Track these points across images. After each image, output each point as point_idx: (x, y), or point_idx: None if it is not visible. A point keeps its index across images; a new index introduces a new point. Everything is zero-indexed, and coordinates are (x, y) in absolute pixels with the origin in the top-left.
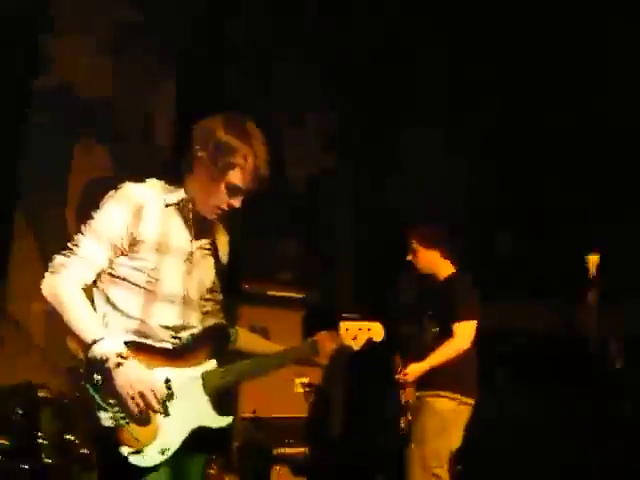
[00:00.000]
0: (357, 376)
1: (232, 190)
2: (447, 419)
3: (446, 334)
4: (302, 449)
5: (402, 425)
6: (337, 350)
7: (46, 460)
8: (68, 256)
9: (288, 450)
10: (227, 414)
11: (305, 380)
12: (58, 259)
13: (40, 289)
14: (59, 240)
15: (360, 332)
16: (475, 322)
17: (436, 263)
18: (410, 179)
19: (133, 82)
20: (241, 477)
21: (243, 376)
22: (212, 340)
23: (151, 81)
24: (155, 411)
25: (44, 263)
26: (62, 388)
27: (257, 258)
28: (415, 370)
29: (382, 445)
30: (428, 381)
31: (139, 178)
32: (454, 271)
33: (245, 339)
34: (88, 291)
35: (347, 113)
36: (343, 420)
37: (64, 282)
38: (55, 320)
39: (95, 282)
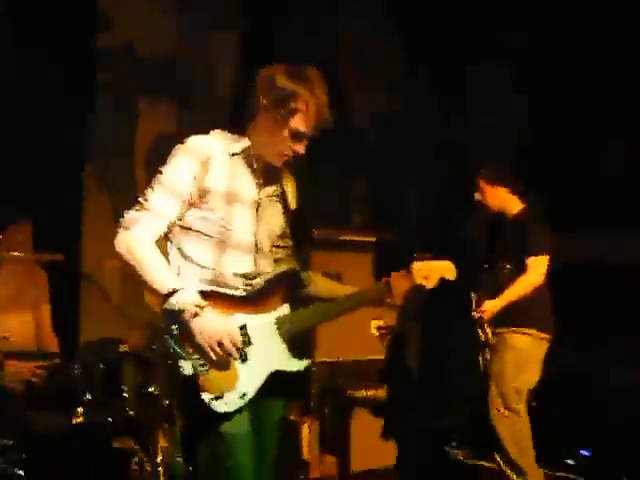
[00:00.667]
0: (433, 316)
1: (295, 136)
2: (525, 355)
3: (519, 270)
4: (381, 391)
5: (481, 363)
6: (410, 290)
7: (129, 413)
8: (139, 211)
9: (367, 392)
10: (303, 358)
11: (381, 322)
12: (129, 214)
13: (113, 246)
14: (130, 197)
15: (432, 271)
16: (548, 256)
17: (504, 200)
18: (476, 117)
19: (196, 35)
20: (320, 421)
21: (316, 320)
22: (285, 285)
23: (215, 33)
24: (234, 357)
25: (116, 221)
26: (141, 342)
27: (327, 203)
28: (490, 307)
29: (460, 384)
30: (504, 318)
31: (205, 131)
32: (524, 206)
33: (318, 283)
34: (162, 244)
35: (413, 50)
36: (420, 361)
37: (136, 237)
38: (130, 276)
39: (167, 235)
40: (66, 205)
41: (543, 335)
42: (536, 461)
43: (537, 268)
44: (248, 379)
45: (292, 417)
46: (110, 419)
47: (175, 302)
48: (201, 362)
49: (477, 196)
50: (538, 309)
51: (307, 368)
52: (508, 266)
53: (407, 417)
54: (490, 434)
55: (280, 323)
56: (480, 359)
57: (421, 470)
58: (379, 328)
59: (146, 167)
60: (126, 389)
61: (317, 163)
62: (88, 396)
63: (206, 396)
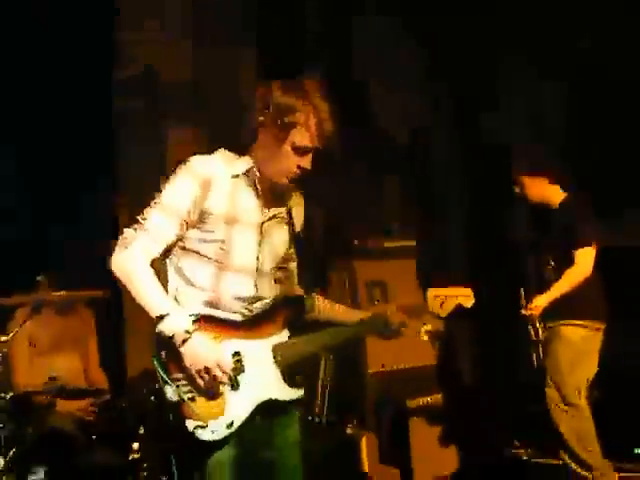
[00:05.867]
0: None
1: (298, 150)
2: (579, 347)
3: (567, 262)
4: (436, 398)
5: (534, 359)
6: (414, 320)
7: None
8: (136, 230)
9: (423, 400)
10: (297, 387)
11: (429, 327)
12: (126, 233)
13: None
14: None
15: (448, 298)
16: (594, 247)
17: (545, 190)
18: (509, 113)
19: (215, 57)
20: (378, 433)
21: (315, 348)
22: (285, 310)
23: (233, 52)
24: (222, 385)
25: None
26: None
27: (363, 212)
28: (540, 302)
29: (516, 383)
30: (554, 311)
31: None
32: (566, 195)
33: (322, 308)
34: (160, 263)
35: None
36: (473, 364)
37: (132, 257)
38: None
39: (167, 254)
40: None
41: (597, 325)
42: (603, 453)
43: (585, 260)
44: (237, 407)
45: (349, 431)
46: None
47: (164, 327)
48: (187, 389)
49: (517, 190)
50: (589, 299)
51: (300, 397)
52: (552, 262)
53: (466, 421)
54: (552, 430)
55: (277, 350)
56: (533, 355)
57: (486, 473)
58: (429, 333)
59: None
60: None
61: (351, 170)
62: (141, 430)
63: (190, 424)
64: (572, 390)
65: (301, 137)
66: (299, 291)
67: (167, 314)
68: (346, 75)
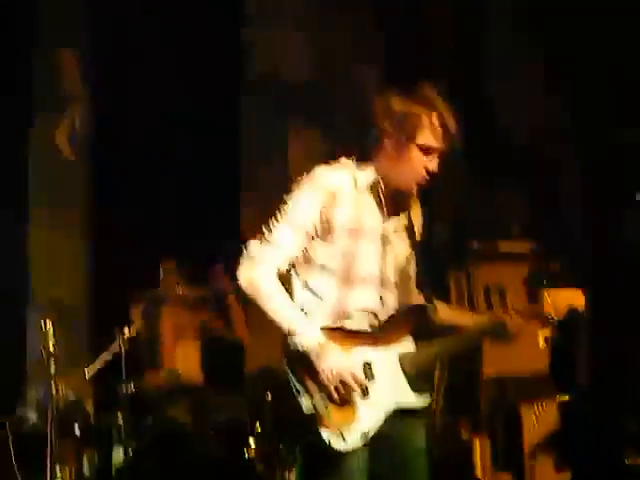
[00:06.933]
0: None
1: (425, 151)
2: None
3: None
4: (552, 403)
5: None
6: (530, 324)
7: None
8: (262, 243)
9: (538, 406)
10: (424, 393)
11: (547, 333)
12: (253, 246)
13: None
14: None
15: (562, 300)
16: None
17: None
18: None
19: (337, 60)
20: (492, 438)
21: (440, 354)
22: (409, 320)
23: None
24: (356, 395)
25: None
26: None
27: (483, 215)
28: None
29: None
30: None
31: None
32: None
33: (443, 313)
34: (285, 276)
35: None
36: (590, 366)
37: (260, 272)
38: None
39: (293, 266)
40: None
41: None
42: None
43: None
44: (369, 416)
45: (463, 436)
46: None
47: (299, 341)
48: (322, 400)
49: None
50: None
51: (428, 403)
52: None
53: (581, 429)
54: None
55: (403, 358)
56: None
57: None
58: (546, 339)
59: None
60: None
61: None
62: (258, 428)
63: (326, 433)
64: None
65: (426, 138)
66: (419, 297)
67: (299, 329)
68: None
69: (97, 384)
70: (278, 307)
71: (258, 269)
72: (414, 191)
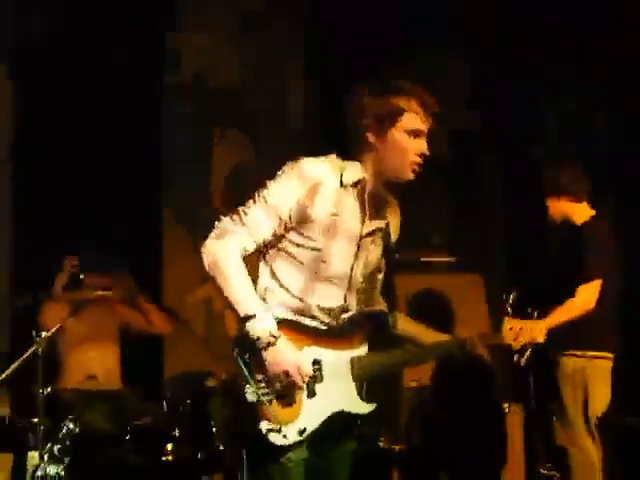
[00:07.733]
0: None
1: (414, 134)
2: (578, 379)
3: (568, 292)
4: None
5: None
6: (489, 348)
7: (219, 448)
8: (235, 223)
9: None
10: (371, 401)
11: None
12: (224, 222)
13: (194, 280)
14: (208, 227)
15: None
16: (600, 281)
17: (566, 210)
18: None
19: (262, 68)
20: (408, 447)
21: (391, 368)
22: (368, 325)
23: (281, 65)
24: (299, 390)
25: (196, 254)
26: (225, 375)
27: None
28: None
29: None
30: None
31: (279, 163)
32: (591, 216)
33: (404, 324)
34: (253, 262)
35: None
36: None
37: (225, 250)
38: (213, 309)
39: (260, 252)
40: (145, 240)
41: (601, 354)
42: None
43: (586, 295)
44: (310, 415)
45: (382, 444)
46: (200, 454)
47: (251, 328)
48: (266, 391)
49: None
50: (590, 328)
51: (372, 411)
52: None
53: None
54: None
55: (354, 363)
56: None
57: None
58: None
59: (223, 197)
60: (214, 423)
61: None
62: (176, 432)
63: (264, 426)
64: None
65: (411, 121)
66: (382, 303)
67: (254, 315)
68: None
69: (12, 388)
70: (236, 286)
71: (224, 245)
72: (412, 177)
